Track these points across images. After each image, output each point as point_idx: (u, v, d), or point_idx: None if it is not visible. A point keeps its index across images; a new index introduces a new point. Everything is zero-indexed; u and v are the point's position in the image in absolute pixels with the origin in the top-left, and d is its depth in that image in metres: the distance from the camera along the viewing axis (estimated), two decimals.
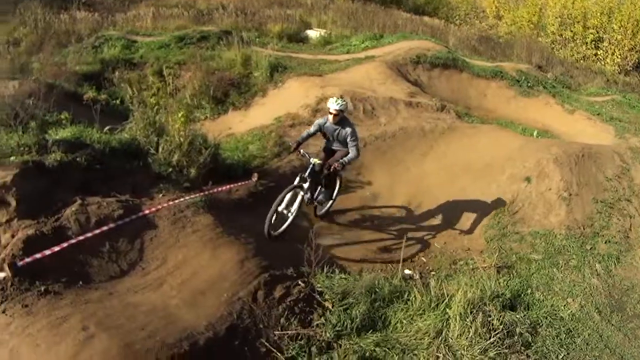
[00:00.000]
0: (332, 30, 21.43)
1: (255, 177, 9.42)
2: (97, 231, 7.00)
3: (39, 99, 9.97)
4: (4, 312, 6.17)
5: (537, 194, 10.01)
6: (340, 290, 6.77)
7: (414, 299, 6.97)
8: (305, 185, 8.55)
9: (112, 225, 7.16)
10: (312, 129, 9.06)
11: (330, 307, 6.52)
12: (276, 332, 5.96)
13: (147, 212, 7.45)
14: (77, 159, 8.10)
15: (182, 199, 7.80)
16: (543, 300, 7.75)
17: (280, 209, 8.16)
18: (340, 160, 8.55)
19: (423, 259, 8.76)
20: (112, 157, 8.47)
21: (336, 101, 8.66)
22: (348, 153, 8.69)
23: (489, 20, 32.84)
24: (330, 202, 9.69)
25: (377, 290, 6.96)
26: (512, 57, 22.23)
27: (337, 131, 8.83)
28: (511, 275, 8.27)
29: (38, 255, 6.44)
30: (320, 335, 6.16)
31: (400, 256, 8.04)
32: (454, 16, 32.60)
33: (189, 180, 8.41)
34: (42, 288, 6.31)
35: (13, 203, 7.36)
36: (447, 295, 7.01)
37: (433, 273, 8.24)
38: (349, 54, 18.46)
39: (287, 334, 6.01)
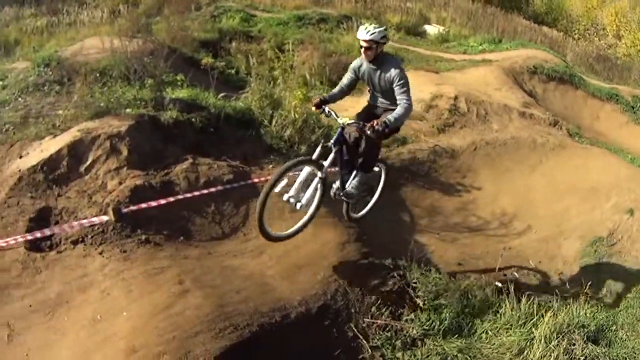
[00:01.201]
0: (450, 28, 21.14)
1: None
2: (205, 191, 7.17)
3: (158, 59, 10.24)
4: (101, 253, 6.47)
5: (638, 228, 9.43)
6: (433, 290, 6.64)
7: (503, 312, 6.75)
8: (326, 162, 6.22)
9: (220, 187, 7.30)
10: (346, 78, 6.87)
11: (421, 304, 6.39)
12: (366, 320, 5.92)
13: (256, 180, 7.51)
14: (192, 120, 8.31)
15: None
16: (626, 340, 7.28)
17: (285, 194, 6.04)
18: (385, 119, 6.15)
19: (516, 274, 8.43)
20: (225, 123, 8.64)
21: (366, 28, 6.30)
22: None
23: (608, 39, 31.33)
24: (372, 200, 7.61)
25: (469, 296, 6.78)
26: (629, 80, 21.07)
27: (379, 75, 6.51)
28: (599, 307, 7.82)
29: (143, 205, 6.65)
30: (408, 330, 6.05)
31: (496, 267, 7.80)
32: (573, 30, 31.30)
33: (299, 157, 8.38)
34: (143, 237, 6.57)
35: (125, 152, 7.65)
36: (536, 315, 6.74)
37: (522, 291, 7.94)
38: (466, 54, 18.10)
39: (377, 323, 5.95)
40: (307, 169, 6.21)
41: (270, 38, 15.20)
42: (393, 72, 6.35)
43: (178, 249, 6.50)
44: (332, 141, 6.31)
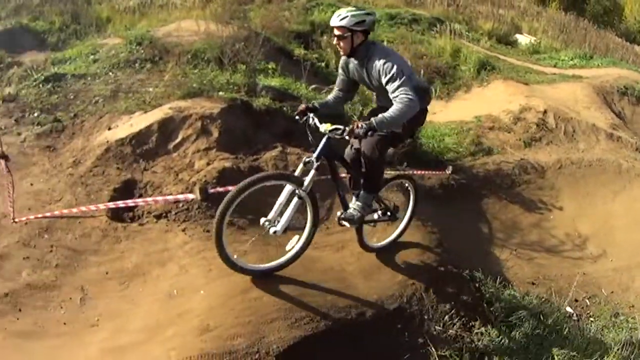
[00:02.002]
0: (541, 40, 20.60)
1: (449, 170, 9.22)
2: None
3: (251, 46, 10.43)
4: (183, 230, 6.68)
5: None
6: (507, 307, 6.57)
7: (572, 339, 6.58)
8: (307, 179, 5.32)
9: None
10: (338, 79, 5.95)
11: (493, 319, 6.33)
12: (437, 328, 5.88)
13: (342, 175, 7.57)
14: (284, 108, 8.41)
15: None
16: None
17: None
18: (372, 119, 5.07)
19: (587, 301, 8.25)
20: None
21: (338, 13, 5.26)
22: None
23: None
24: (399, 228, 6.64)
25: (540, 317, 6.65)
26: None
27: (365, 71, 5.46)
28: None
29: (230, 188, 6.73)
30: (477, 344, 5.99)
31: (569, 291, 7.64)
32: None
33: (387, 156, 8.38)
34: (227, 219, 6.64)
35: (215, 134, 7.86)
36: (604, 347, 6.55)
37: (592, 319, 7.75)
38: (556, 68, 17.60)
39: (448, 333, 5.91)
40: (288, 188, 5.37)
41: None
42: (378, 64, 5.24)
43: (260, 235, 6.61)
44: (314, 155, 5.34)
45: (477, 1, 24.22)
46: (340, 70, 5.84)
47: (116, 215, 6.96)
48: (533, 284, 8.04)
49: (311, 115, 5.60)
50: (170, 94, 8.89)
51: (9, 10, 16.27)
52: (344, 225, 5.98)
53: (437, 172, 9.07)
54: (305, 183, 5.32)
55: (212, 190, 6.81)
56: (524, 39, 20.42)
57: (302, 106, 5.72)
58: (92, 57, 11.48)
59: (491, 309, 6.47)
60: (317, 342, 5.20)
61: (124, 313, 5.67)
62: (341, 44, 5.35)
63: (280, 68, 10.59)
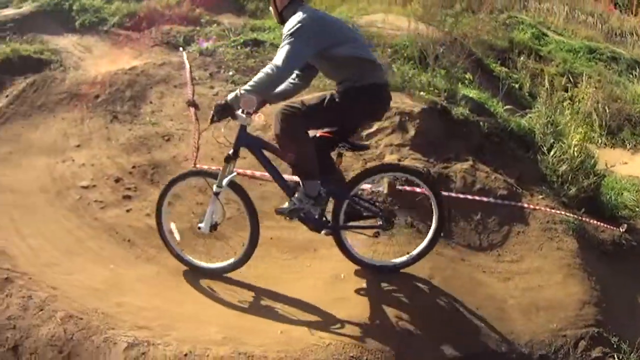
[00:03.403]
0: None
1: (623, 228, 8.56)
2: (478, 198, 7.08)
3: (451, 52, 10.28)
4: None
5: None
6: None
7: None
8: (225, 177, 5.19)
9: (492, 200, 7.21)
10: None
11: None
12: None
13: (526, 205, 7.32)
14: (480, 123, 8.23)
15: (559, 212, 7.51)
16: None
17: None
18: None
19: None
20: (508, 136, 8.45)
21: None
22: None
23: None
24: (419, 248, 5.85)
25: None
26: None
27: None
28: None
29: (418, 190, 6.68)
30: None
31: None
32: None
33: (567, 197, 8.02)
34: (408, 219, 6.56)
35: (411, 132, 7.83)
36: None
37: None
38: None
39: None
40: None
41: (559, 63, 14.58)
42: (285, 28, 4.79)
43: (437, 244, 6.51)
44: (233, 148, 5.16)
45: None
46: None
47: None
48: None
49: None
50: None
51: None
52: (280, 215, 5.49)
53: (611, 227, 8.48)
54: (223, 180, 5.16)
55: (399, 187, 6.74)
56: None
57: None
58: None
59: None
60: None
61: (286, 281, 5.78)
62: (270, 7, 5.14)
63: (477, 81, 10.36)
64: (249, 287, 5.66)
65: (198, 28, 12.38)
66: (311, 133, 5.09)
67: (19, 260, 5.66)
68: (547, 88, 11.05)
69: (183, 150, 7.63)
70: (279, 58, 4.60)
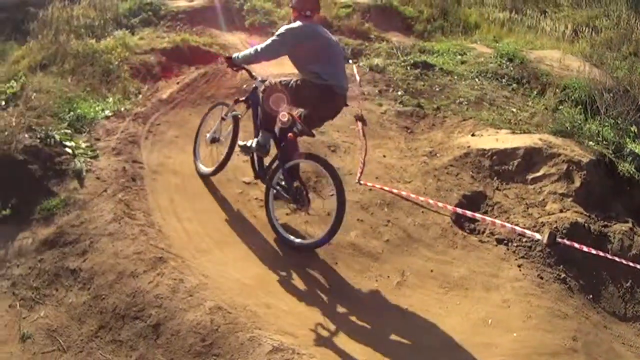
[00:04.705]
0: None
1: None
2: (632, 264, 6.69)
3: (620, 101, 9.89)
4: (519, 266, 6.53)
5: None
6: None
7: None
8: (229, 115, 7.11)
9: None
10: None
11: None
12: None
13: None
14: None
15: None
16: None
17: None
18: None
19: None
20: None
21: None
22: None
23: None
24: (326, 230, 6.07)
25: None
26: None
27: None
28: None
29: (576, 245, 6.53)
30: None
31: None
32: None
33: None
34: (562, 275, 6.50)
35: (577, 183, 7.65)
36: None
37: None
38: None
39: None
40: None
41: None
42: (281, 27, 6.32)
43: (584, 305, 6.30)
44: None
45: None
46: None
47: (458, 220, 7.06)
48: None
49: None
50: (540, 124, 8.83)
51: None
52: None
53: None
54: (229, 113, 7.00)
55: (560, 240, 6.63)
56: None
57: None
58: (459, 57, 11.71)
59: None
60: None
61: (434, 316, 5.71)
62: None
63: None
64: (400, 315, 5.67)
65: (367, 43, 12.60)
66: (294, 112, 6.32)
67: (174, 241, 5.92)
68: None
69: (347, 163, 7.68)
70: (264, 46, 6.12)
